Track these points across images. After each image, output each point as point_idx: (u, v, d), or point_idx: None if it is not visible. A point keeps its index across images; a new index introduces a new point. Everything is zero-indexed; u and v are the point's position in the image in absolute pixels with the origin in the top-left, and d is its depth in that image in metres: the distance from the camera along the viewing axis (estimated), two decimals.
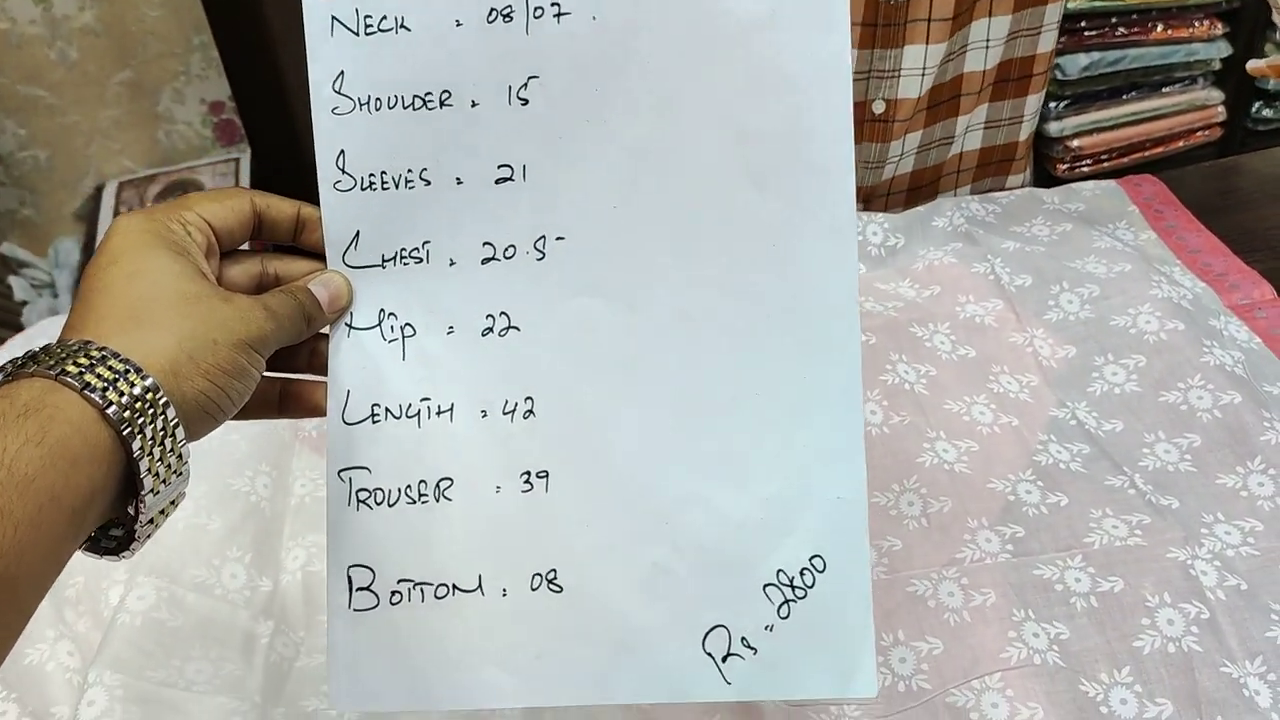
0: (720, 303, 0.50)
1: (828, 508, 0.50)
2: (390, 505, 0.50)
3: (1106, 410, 0.83)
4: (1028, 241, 0.98)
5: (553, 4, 0.49)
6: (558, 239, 0.50)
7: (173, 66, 1.91)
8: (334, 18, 0.49)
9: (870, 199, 1.02)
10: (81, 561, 0.68)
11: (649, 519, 0.49)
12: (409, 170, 0.50)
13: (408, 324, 0.50)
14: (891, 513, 0.76)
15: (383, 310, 0.50)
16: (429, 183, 0.50)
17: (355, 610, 0.49)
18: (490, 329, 0.50)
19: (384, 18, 0.49)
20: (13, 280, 1.81)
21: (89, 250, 1.90)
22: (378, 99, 0.49)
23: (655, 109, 0.49)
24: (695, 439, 0.50)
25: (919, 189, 1.04)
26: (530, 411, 0.50)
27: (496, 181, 0.50)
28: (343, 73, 0.49)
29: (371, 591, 0.49)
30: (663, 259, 0.50)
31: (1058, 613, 0.69)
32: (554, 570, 0.49)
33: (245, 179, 1.96)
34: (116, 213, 1.95)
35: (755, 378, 0.50)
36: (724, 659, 0.48)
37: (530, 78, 0.49)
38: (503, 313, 0.50)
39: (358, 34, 0.49)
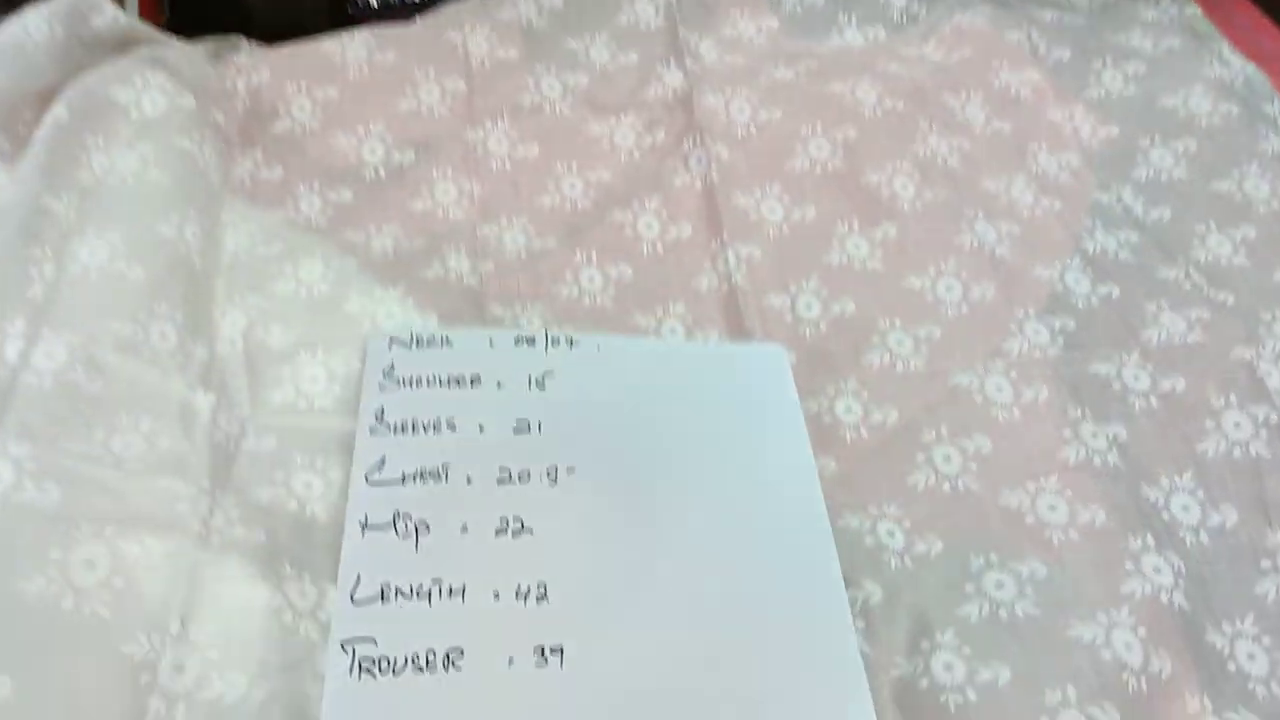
0: (720, 528, 0.55)
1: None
2: (395, 674, 0.47)
3: (1153, 196, 0.75)
4: (1066, 10, 0.87)
5: (567, 338, 0.62)
6: (569, 469, 0.55)
7: None
8: (392, 338, 0.60)
9: None
10: None
11: (657, 707, 0.48)
12: (438, 419, 0.57)
13: (422, 521, 0.52)
14: (928, 298, 0.67)
15: (398, 512, 0.53)
16: (454, 428, 0.56)
17: None
18: (504, 530, 0.53)
19: (432, 339, 0.61)
20: None
21: None
22: (419, 379, 0.59)
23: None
24: (698, 640, 0.50)
25: None
26: (544, 596, 0.51)
27: (515, 431, 0.57)
28: (392, 366, 0.59)
29: None
30: (662, 487, 0.56)
31: (1115, 412, 0.62)
32: None
33: None
34: None
35: (747, 595, 0.52)
36: None
37: (546, 374, 0.60)
38: (516, 517, 0.53)
39: (409, 347, 0.60)
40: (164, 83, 0.69)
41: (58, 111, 0.65)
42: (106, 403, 0.51)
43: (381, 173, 0.73)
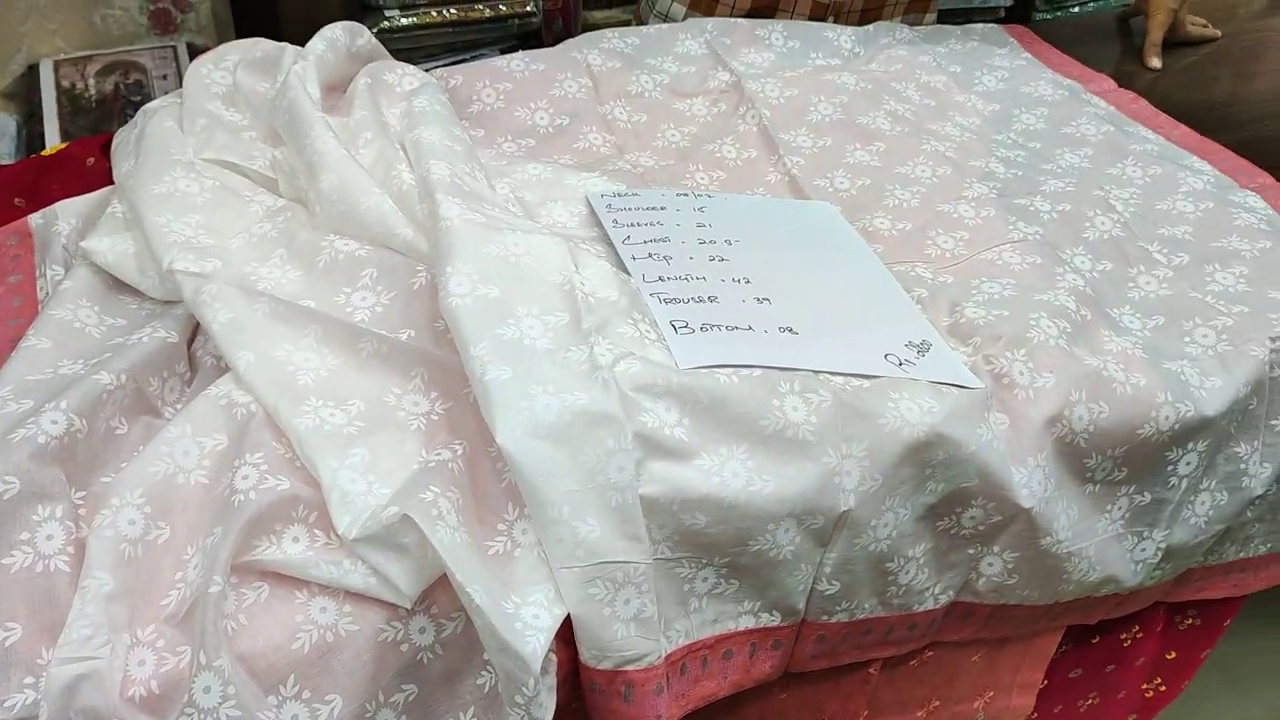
0: (829, 268, 0.94)
1: (920, 330, 0.87)
2: (684, 303, 0.83)
3: (1027, 137, 1.20)
4: (951, 50, 1.35)
5: (707, 194, 1.01)
6: (736, 241, 0.94)
7: None
8: (602, 194, 0.96)
9: (838, 14, 1.36)
10: None
11: (833, 313, 0.86)
12: (651, 220, 0.93)
13: (665, 255, 0.89)
14: (911, 176, 1.08)
15: (650, 252, 0.89)
16: (662, 224, 0.93)
17: (680, 334, 0.79)
18: (713, 259, 0.90)
19: (627, 192, 0.98)
20: None
21: (33, 119, 1.97)
22: (629, 207, 0.95)
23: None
24: (839, 294, 0.90)
25: (869, 11, 1.39)
26: (748, 281, 0.88)
27: (697, 225, 0.95)
28: (610, 204, 0.95)
29: (689, 327, 0.80)
30: (795, 255, 0.94)
31: (1034, 220, 1.04)
32: (790, 327, 0.83)
33: (185, 67, 2.07)
34: (59, 87, 2.03)
35: (856, 289, 0.91)
36: (899, 364, 0.81)
37: (703, 207, 0.98)
38: (718, 255, 0.91)
39: (615, 196, 0.97)
40: (413, 71, 1.07)
41: (361, 82, 1.02)
42: (473, 194, 0.87)
43: (550, 130, 1.11)
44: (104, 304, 0.85)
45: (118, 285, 0.87)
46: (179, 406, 0.78)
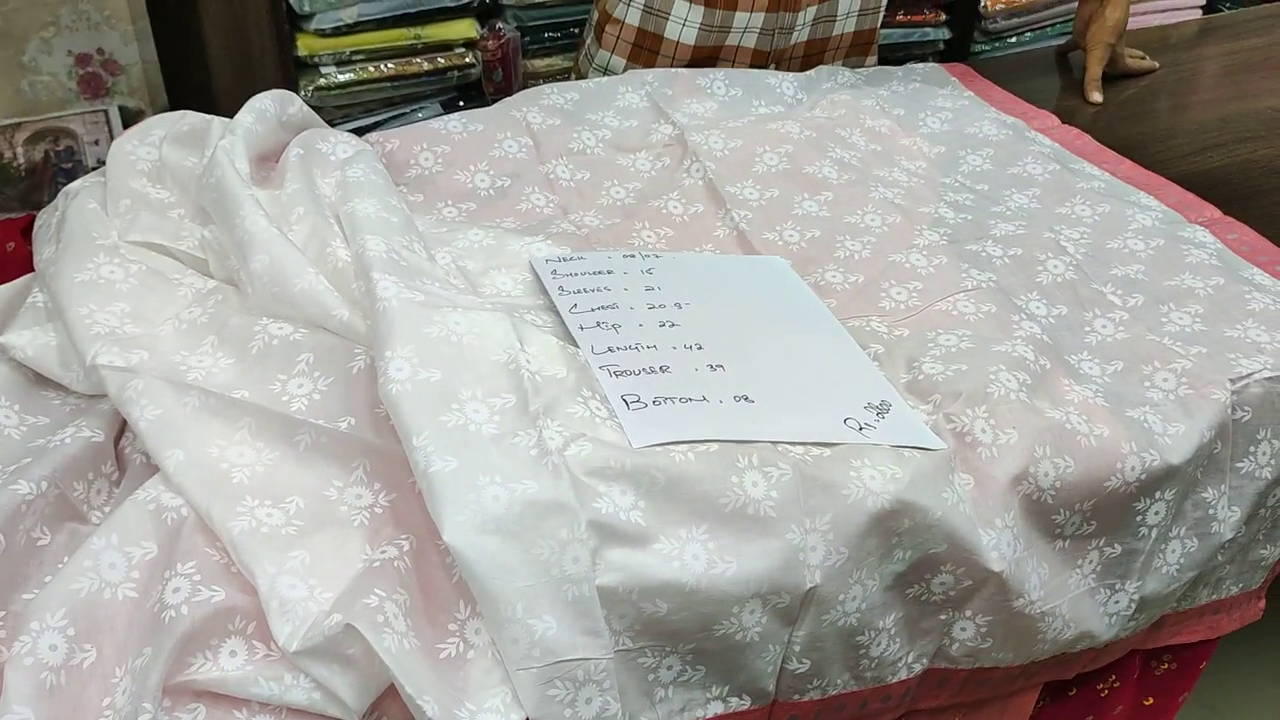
0: (782, 327, 0.92)
1: (878, 390, 0.85)
2: (635, 375, 0.80)
3: (975, 179, 1.19)
4: (893, 93, 1.34)
5: (654, 254, 0.98)
6: (685, 304, 0.91)
7: (41, 16, 1.97)
8: (547, 259, 0.93)
9: (780, 61, 1.35)
10: None
11: (790, 376, 0.84)
12: (598, 286, 0.90)
13: (615, 324, 0.85)
14: (861, 225, 1.07)
15: (599, 321, 0.86)
16: (609, 289, 0.90)
17: (632, 410, 0.76)
18: (663, 325, 0.87)
19: (573, 256, 0.94)
20: None
21: None
22: (575, 273, 0.91)
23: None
24: (794, 356, 0.88)
25: (810, 57, 1.37)
26: (700, 347, 0.85)
27: (645, 289, 0.92)
28: (556, 270, 0.91)
29: (641, 402, 0.77)
30: (744, 313, 0.92)
31: (986, 266, 1.02)
32: (746, 395, 0.80)
33: (117, 131, 2.03)
34: None
35: (812, 349, 0.89)
36: (859, 429, 0.79)
37: (650, 269, 0.95)
38: (668, 320, 0.88)
39: (560, 261, 0.93)
40: (348, 139, 1.04)
41: (293, 152, 0.99)
42: (411, 269, 0.83)
43: (491, 192, 1.08)
44: (25, 402, 0.81)
45: (40, 380, 0.83)
46: (107, 509, 0.74)
